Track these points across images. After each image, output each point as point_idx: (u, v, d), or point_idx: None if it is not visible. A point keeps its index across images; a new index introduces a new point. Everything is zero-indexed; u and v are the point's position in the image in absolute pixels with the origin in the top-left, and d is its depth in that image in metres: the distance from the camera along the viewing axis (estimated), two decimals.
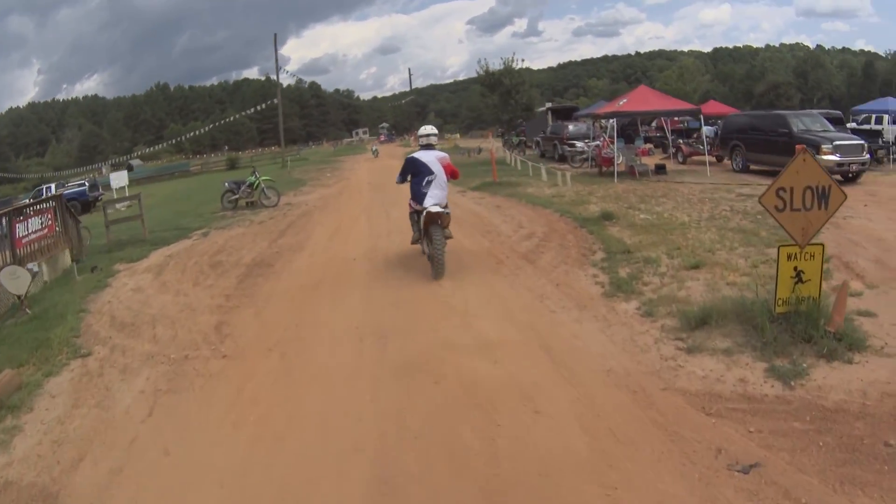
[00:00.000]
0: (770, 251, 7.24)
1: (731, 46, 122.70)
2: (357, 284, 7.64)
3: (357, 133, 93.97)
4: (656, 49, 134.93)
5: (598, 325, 5.67)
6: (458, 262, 7.96)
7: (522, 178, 18.36)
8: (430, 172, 7.36)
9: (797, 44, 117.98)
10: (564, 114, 31.15)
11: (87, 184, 29.39)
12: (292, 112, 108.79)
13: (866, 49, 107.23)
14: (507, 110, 33.25)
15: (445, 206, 7.34)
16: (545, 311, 6.16)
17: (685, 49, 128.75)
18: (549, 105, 34.91)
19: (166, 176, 45.65)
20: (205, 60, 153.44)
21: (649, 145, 24.28)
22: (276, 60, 29.51)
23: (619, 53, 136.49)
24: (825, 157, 13.67)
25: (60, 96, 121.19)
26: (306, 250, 10.21)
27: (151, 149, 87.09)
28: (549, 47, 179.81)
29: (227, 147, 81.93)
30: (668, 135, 23.53)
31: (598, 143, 20.52)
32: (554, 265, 7.84)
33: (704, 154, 18.77)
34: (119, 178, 26.87)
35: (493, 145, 30.81)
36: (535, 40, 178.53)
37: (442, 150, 8.69)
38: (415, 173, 7.48)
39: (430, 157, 7.51)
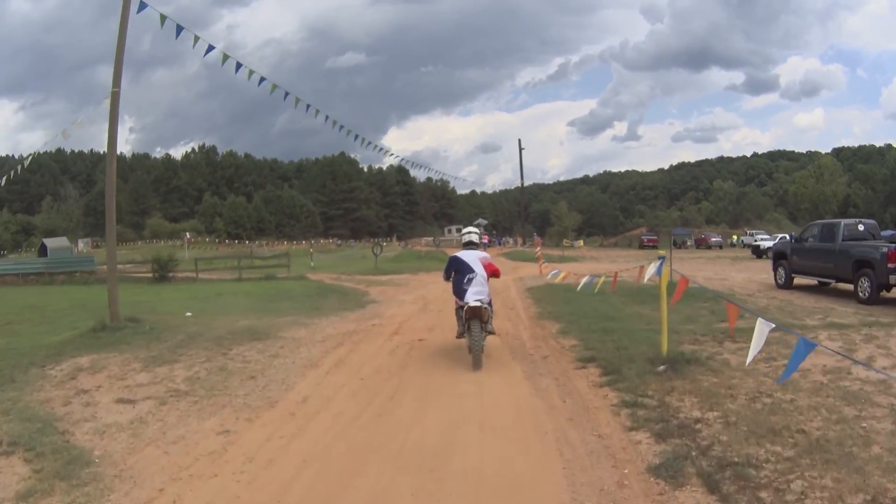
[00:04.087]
0: None
1: (855, 146, 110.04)
2: None
3: (450, 231, 75.67)
4: (779, 149, 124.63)
5: None
6: None
7: None
8: (472, 271, 7.55)
9: None
10: None
11: None
12: (371, 199, 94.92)
13: None
14: None
15: (489, 303, 7.56)
16: None
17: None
18: None
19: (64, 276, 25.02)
20: (303, 143, 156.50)
21: None
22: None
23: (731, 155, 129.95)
24: None
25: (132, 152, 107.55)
26: None
27: (172, 223, 75.13)
28: (649, 152, 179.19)
29: (187, 235, 58.56)
30: None
31: None
32: None
33: None
34: None
35: None
36: (634, 144, 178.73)
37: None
38: (457, 271, 7.67)
39: (471, 257, 7.71)
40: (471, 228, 8.58)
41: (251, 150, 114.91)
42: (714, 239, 52.90)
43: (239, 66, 10.24)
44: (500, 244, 58.92)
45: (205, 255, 42.18)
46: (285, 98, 11.40)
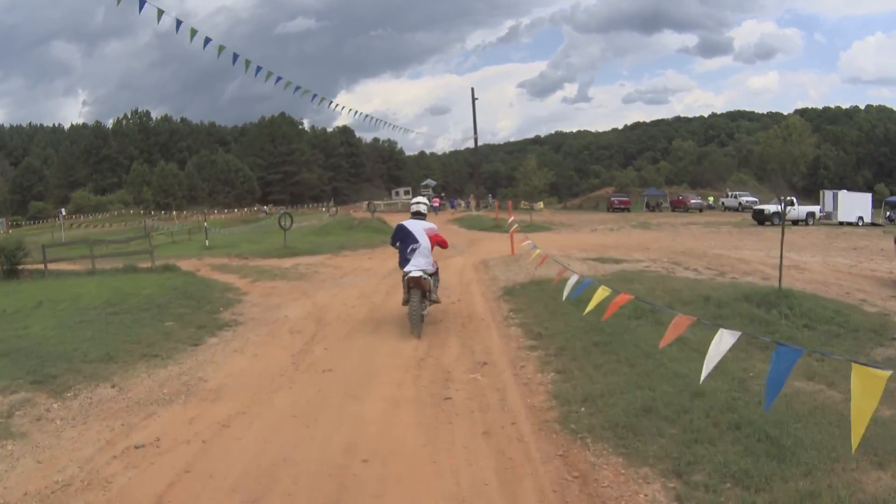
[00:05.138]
0: None
1: (820, 107, 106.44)
2: None
3: (398, 193, 69.08)
4: (738, 109, 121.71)
5: None
6: None
7: None
8: (416, 241, 7.52)
9: (883, 107, 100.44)
10: None
11: None
12: (313, 161, 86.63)
13: None
14: None
15: (433, 273, 7.57)
16: None
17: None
18: None
19: None
20: (254, 108, 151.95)
21: None
22: None
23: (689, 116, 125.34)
24: None
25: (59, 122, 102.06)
26: None
27: (99, 196, 67.02)
28: (599, 113, 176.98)
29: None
30: None
31: None
32: None
33: None
34: None
35: None
36: (584, 106, 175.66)
37: None
38: (402, 241, 7.62)
39: (417, 227, 7.62)
40: (420, 199, 8.45)
41: (204, 118, 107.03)
42: (694, 201, 47.43)
43: (195, 33, 7.85)
44: (452, 207, 52.39)
45: (92, 235, 34.03)
46: (247, 68, 9.11)
